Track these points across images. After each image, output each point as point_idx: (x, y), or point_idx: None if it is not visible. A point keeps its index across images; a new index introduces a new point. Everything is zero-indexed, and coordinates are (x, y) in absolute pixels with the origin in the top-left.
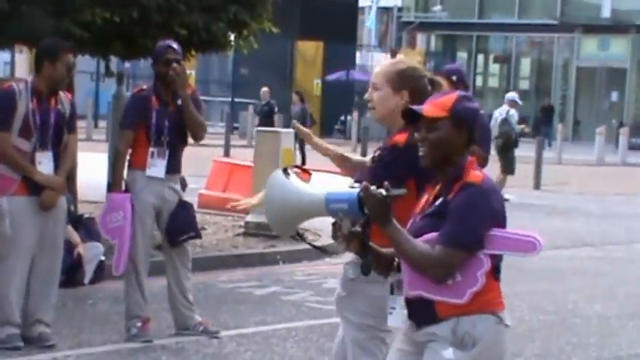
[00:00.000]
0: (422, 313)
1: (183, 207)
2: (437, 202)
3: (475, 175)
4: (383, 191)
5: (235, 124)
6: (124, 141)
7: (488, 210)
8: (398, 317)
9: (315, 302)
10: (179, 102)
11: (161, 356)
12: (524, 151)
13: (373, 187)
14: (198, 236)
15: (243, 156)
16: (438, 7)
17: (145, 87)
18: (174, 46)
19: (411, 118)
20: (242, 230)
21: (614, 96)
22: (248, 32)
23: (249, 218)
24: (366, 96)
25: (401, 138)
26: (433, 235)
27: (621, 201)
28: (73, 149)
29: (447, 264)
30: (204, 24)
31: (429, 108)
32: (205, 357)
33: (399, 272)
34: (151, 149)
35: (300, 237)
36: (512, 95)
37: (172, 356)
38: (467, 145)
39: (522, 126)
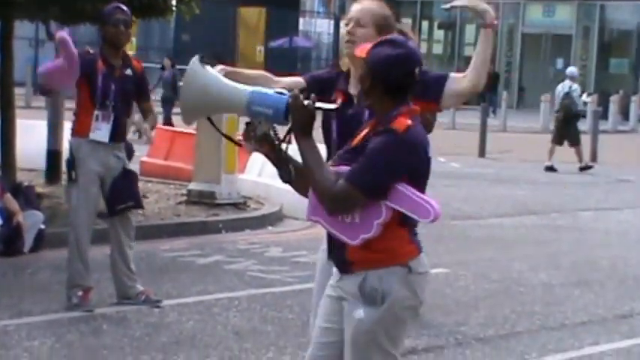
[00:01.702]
0: (337, 254)
1: (126, 176)
2: (357, 143)
3: (401, 122)
4: (315, 103)
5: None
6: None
7: (401, 161)
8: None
9: (257, 271)
10: (128, 71)
11: (102, 325)
12: (469, 119)
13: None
14: (139, 206)
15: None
16: None
17: (91, 50)
18: (122, 7)
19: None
20: (184, 198)
21: (560, 63)
22: None
23: (192, 186)
24: (348, 29)
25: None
26: (344, 168)
27: (566, 169)
28: None
29: (341, 198)
30: None
31: (361, 47)
32: (147, 326)
33: None
34: (95, 112)
35: (210, 122)
36: (572, 70)
37: (113, 325)
38: (386, 93)
39: (587, 98)
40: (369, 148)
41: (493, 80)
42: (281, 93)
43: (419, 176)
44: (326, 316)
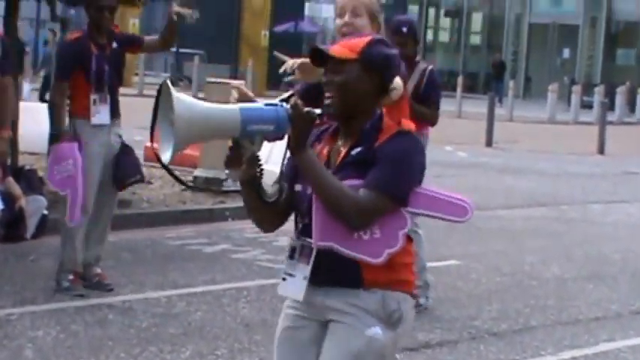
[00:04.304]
0: (340, 272)
1: (128, 151)
2: (353, 152)
3: (409, 123)
4: (316, 110)
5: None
6: (58, 92)
7: (420, 164)
8: (295, 287)
9: (266, 261)
10: (114, 45)
11: (108, 315)
12: (476, 107)
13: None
14: (143, 179)
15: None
16: None
17: (79, 34)
18: None
19: (319, 60)
20: (190, 185)
21: (566, 53)
22: None
23: (198, 173)
24: (346, 19)
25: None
26: (356, 181)
27: (574, 160)
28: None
29: (371, 209)
30: None
31: (337, 48)
32: (154, 317)
33: (302, 233)
34: (92, 96)
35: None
36: None
37: (119, 316)
38: (379, 93)
39: None
40: (391, 151)
41: (499, 69)
42: (270, 104)
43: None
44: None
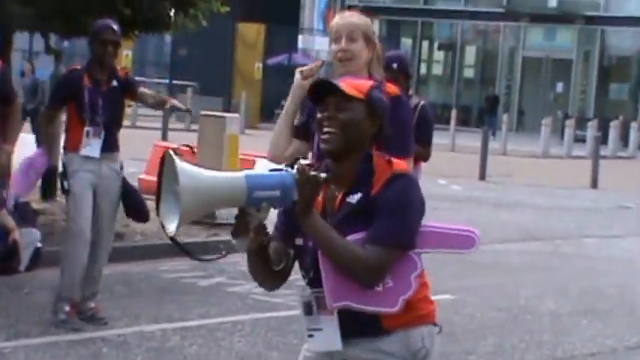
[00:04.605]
0: (359, 323)
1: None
2: (351, 199)
3: (401, 164)
4: (322, 174)
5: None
6: (45, 118)
7: (420, 203)
8: (329, 340)
9: (260, 294)
10: (114, 83)
11: (102, 349)
12: (469, 141)
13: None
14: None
15: (182, 140)
16: None
17: (78, 66)
18: (114, 26)
19: (318, 95)
20: None
21: (560, 87)
22: (195, 11)
23: None
24: (342, 46)
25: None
26: (358, 235)
27: (567, 194)
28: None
29: (382, 265)
30: (150, 2)
31: (344, 85)
32: (149, 351)
33: (311, 285)
34: (86, 129)
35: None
36: None
37: (114, 349)
38: (375, 137)
39: None
40: (390, 199)
41: (493, 102)
42: (275, 169)
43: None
44: None
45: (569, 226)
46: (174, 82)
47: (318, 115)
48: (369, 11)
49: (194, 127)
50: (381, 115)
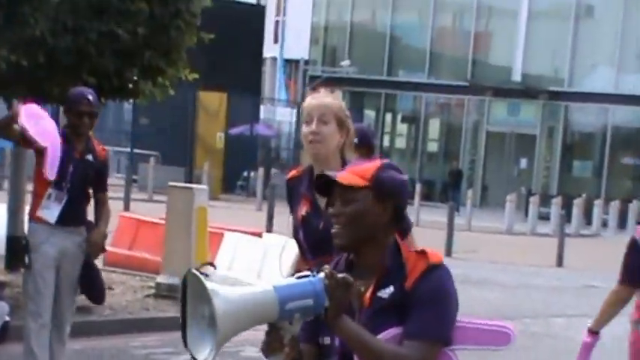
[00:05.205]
0: None
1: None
2: (382, 294)
3: (436, 255)
4: (350, 279)
5: (134, 177)
6: None
7: (456, 296)
8: None
9: None
10: (89, 157)
11: None
12: (433, 216)
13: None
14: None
15: (144, 210)
16: (346, 62)
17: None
18: (90, 97)
19: (325, 188)
20: (152, 291)
21: (523, 163)
22: (163, 79)
23: (160, 279)
24: (312, 128)
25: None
26: (396, 330)
27: (533, 272)
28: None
29: None
30: (117, 69)
31: (345, 175)
32: None
33: None
34: (49, 190)
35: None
36: None
37: None
38: (393, 223)
39: None
40: (428, 293)
41: (456, 177)
42: (302, 276)
43: None
44: None
45: (536, 305)
46: (136, 150)
47: (329, 210)
48: (332, 82)
49: (156, 197)
50: (392, 197)
